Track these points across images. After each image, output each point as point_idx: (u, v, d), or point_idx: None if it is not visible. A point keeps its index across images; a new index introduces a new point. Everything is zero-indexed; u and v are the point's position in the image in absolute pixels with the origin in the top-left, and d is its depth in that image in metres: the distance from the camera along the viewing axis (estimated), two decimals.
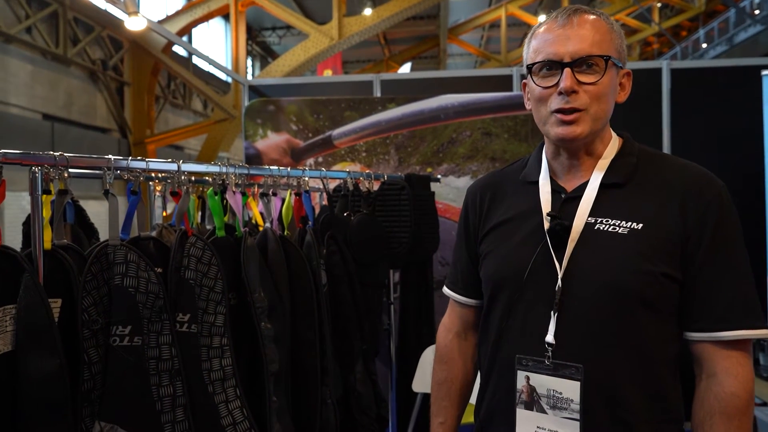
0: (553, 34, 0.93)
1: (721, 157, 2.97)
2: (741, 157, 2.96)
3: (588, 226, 0.94)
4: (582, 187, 0.97)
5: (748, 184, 2.84)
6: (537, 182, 1.02)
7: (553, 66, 0.92)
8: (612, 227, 0.92)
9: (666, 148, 3.06)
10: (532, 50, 0.97)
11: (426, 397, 1.90)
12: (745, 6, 13.42)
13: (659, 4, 16.14)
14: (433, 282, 2.34)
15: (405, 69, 16.07)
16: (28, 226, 1.18)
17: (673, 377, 0.93)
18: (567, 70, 0.91)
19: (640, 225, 0.91)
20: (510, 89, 3.26)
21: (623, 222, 0.92)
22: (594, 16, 0.94)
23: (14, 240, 1.28)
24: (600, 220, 0.94)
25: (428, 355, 1.92)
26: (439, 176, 2.57)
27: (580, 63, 0.91)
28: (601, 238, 0.92)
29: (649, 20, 15.56)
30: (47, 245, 1.01)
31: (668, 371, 0.93)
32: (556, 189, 1.00)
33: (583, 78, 0.91)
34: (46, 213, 1.02)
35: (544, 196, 1.00)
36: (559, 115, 0.93)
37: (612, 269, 0.90)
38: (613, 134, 1.02)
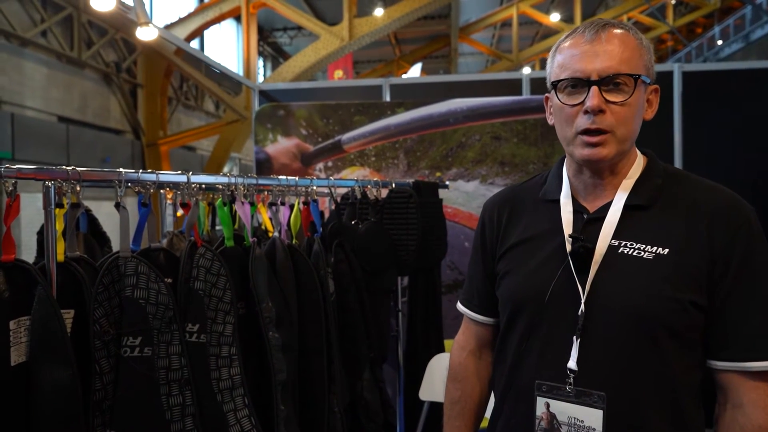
0: (580, 50, 0.89)
1: (735, 164, 2.93)
2: (756, 164, 2.92)
3: (611, 249, 0.91)
4: (605, 208, 0.94)
5: (764, 192, 2.78)
6: (557, 201, 0.99)
7: (580, 84, 0.89)
8: (637, 251, 0.89)
9: (677, 154, 3.02)
10: (557, 65, 0.93)
11: (433, 405, 1.90)
12: (762, 2, 13.21)
13: (673, 1, 15.94)
14: (441, 287, 2.34)
15: (416, 69, 16.04)
16: (42, 235, 1.21)
17: (696, 406, 0.91)
18: (594, 89, 0.87)
19: (666, 250, 0.88)
20: (519, 93, 3.25)
21: (648, 246, 0.89)
22: (623, 31, 0.90)
23: (31, 241, 1.31)
24: (624, 243, 0.91)
25: (435, 364, 1.92)
26: (447, 182, 2.57)
27: (608, 81, 0.87)
28: (626, 263, 0.89)
29: (661, 18, 15.38)
30: (60, 258, 1.03)
31: (691, 399, 0.90)
32: (577, 209, 0.97)
33: (610, 97, 0.88)
34: (59, 226, 1.04)
35: (566, 217, 0.97)
36: (585, 137, 0.89)
37: (637, 296, 0.87)
38: (638, 152, 0.98)
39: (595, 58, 0.88)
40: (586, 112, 0.88)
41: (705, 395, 0.93)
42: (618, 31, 0.90)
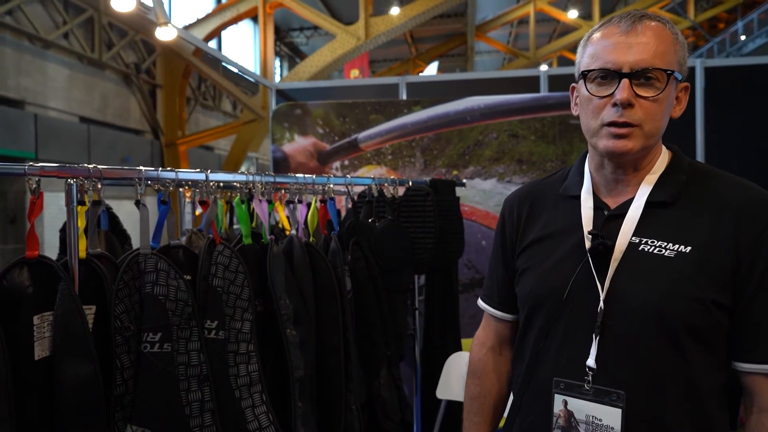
0: (614, 41, 0.87)
1: (758, 160, 2.87)
2: None
3: (632, 247, 0.89)
4: (626, 205, 0.92)
5: None
6: (578, 197, 0.98)
7: (610, 75, 0.87)
8: (658, 249, 0.88)
9: (699, 152, 2.97)
10: (587, 55, 0.91)
11: (450, 403, 1.89)
12: None
13: None
14: (458, 286, 2.33)
15: (432, 67, 15.99)
16: (64, 232, 1.23)
17: (720, 408, 0.89)
18: (625, 81, 0.85)
19: (689, 248, 0.86)
20: (537, 90, 3.21)
21: (670, 244, 0.87)
22: (659, 24, 0.88)
23: (53, 238, 1.33)
24: (645, 240, 0.89)
25: (453, 362, 1.91)
26: (464, 180, 2.55)
27: (639, 75, 0.86)
28: (646, 260, 0.88)
29: (682, 14, 15.10)
30: (82, 254, 1.05)
31: (715, 402, 0.88)
32: (598, 205, 0.95)
33: (641, 91, 0.86)
34: (81, 223, 1.06)
35: (586, 213, 0.95)
36: (611, 129, 0.87)
37: (657, 294, 0.86)
38: (663, 148, 0.96)
39: (628, 50, 0.86)
40: (615, 104, 0.87)
41: (730, 398, 0.91)
42: (654, 23, 0.88)
